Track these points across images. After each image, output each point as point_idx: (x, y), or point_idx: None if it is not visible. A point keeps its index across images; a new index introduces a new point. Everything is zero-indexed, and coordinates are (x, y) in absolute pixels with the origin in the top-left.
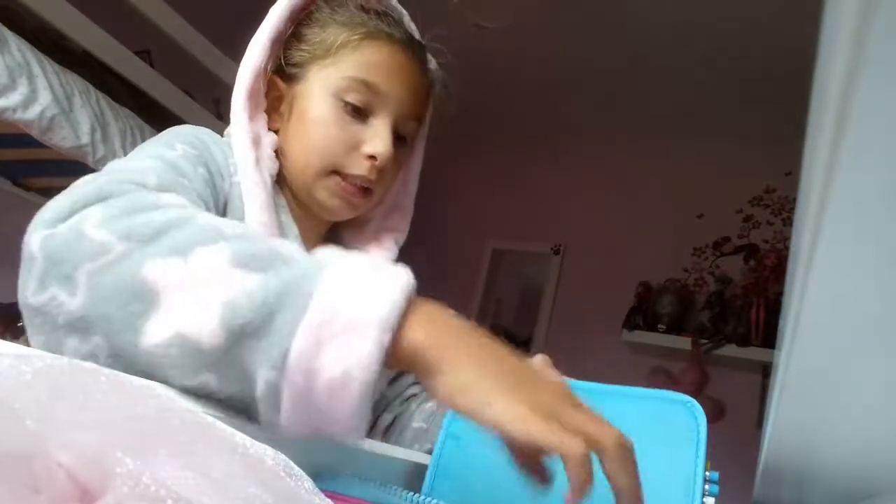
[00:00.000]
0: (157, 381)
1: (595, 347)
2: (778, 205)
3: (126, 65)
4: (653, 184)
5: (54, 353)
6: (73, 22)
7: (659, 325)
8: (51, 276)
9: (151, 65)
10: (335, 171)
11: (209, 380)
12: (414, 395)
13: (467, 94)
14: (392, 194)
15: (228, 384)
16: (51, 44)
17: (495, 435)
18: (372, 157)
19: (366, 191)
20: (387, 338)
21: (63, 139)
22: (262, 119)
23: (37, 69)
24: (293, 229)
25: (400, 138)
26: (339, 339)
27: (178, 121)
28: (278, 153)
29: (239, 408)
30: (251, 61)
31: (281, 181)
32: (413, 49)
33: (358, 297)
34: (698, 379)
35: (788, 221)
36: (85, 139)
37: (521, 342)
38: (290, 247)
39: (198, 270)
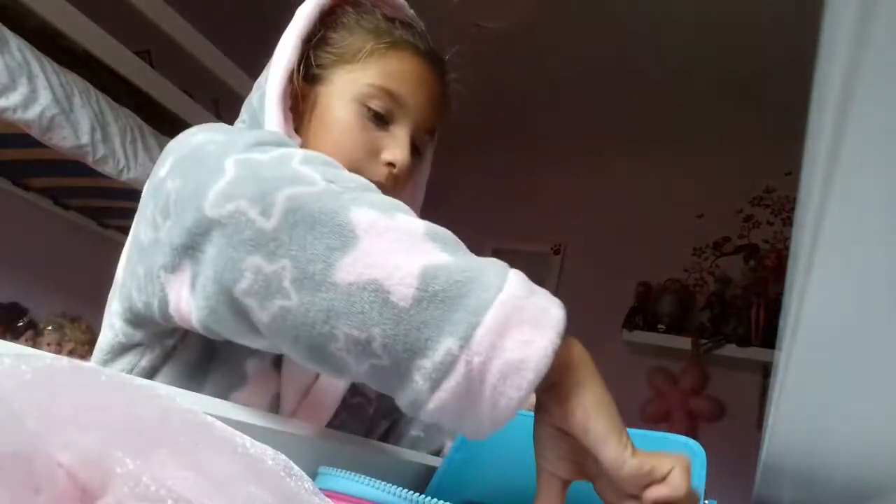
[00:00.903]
0: (327, 324)
1: (595, 347)
2: (778, 205)
3: (126, 65)
4: (653, 184)
5: (228, 268)
6: (73, 22)
7: (659, 325)
8: (243, 191)
9: (151, 65)
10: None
11: (376, 336)
12: None
13: (467, 95)
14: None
15: (391, 348)
16: (51, 44)
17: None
18: (391, 165)
19: None
20: (558, 341)
21: (63, 139)
22: (289, 119)
23: (37, 69)
24: None
25: (414, 149)
26: (525, 327)
27: (178, 121)
28: None
29: (376, 375)
30: (283, 63)
31: None
32: (435, 63)
33: (538, 299)
34: (698, 379)
35: (788, 221)
36: (85, 139)
37: None
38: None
39: (399, 230)
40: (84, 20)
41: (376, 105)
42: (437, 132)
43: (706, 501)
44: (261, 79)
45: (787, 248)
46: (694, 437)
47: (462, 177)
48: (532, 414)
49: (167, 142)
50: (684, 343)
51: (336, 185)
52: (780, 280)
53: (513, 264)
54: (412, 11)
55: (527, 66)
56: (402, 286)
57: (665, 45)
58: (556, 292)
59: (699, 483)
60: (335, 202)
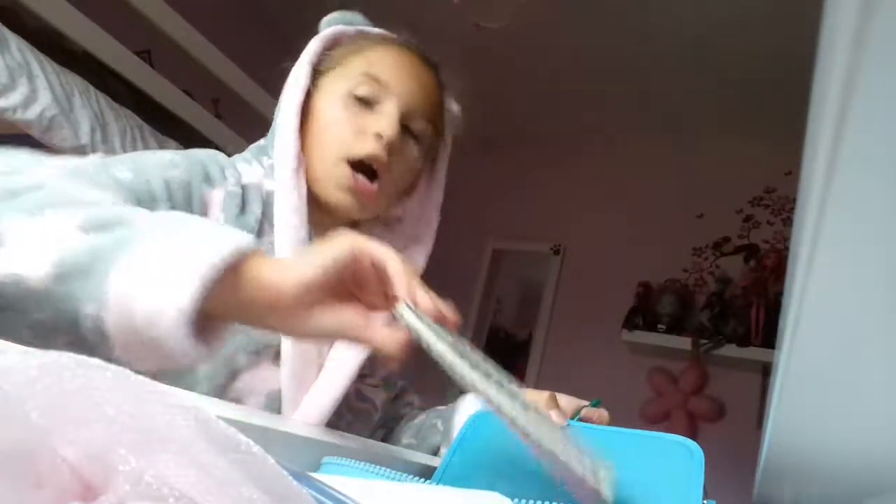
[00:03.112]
0: (2, 314)
1: (595, 348)
2: (778, 205)
3: (126, 65)
4: (653, 184)
5: None
6: (73, 22)
7: (659, 326)
8: None
9: (151, 65)
10: (346, 161)
11: (41, 319)
12: (405, 414)
13: (467, 95)
14: (412, 225)
15: (60, 326)
16: (51, 44)
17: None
18: (378, 136)
19: (372, 176)
20: (200, 283)
21: (63, 139)
22: (297, 135)
23: (37, 69)
24: (313, 235)
25: (412, 135)
26: (154, 279)
27: (178, 121)
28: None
29: (79, 348)
30: (298, 82)
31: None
32: (423, 56)
33: (180, 250)
34: (698, 379)
35: (788, 221)
36: (85, 139)
37: (521, 342)
38: (137, 211)
39: (44, 228)
40: (84, 20)
41: (362, 91)
42: (441, 129)
43: (706, 502)
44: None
45: (787, 248)
46: (694, 436)
47: (462, 177)
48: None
49: (167, 142)
50: (684, 343)
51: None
52: (780, 280)
53: (513, 264)
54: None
55: (527, 66)
56: (37, 270)
57: (665, 45)
58: (555, 292)
59: (697, 483)
60: None
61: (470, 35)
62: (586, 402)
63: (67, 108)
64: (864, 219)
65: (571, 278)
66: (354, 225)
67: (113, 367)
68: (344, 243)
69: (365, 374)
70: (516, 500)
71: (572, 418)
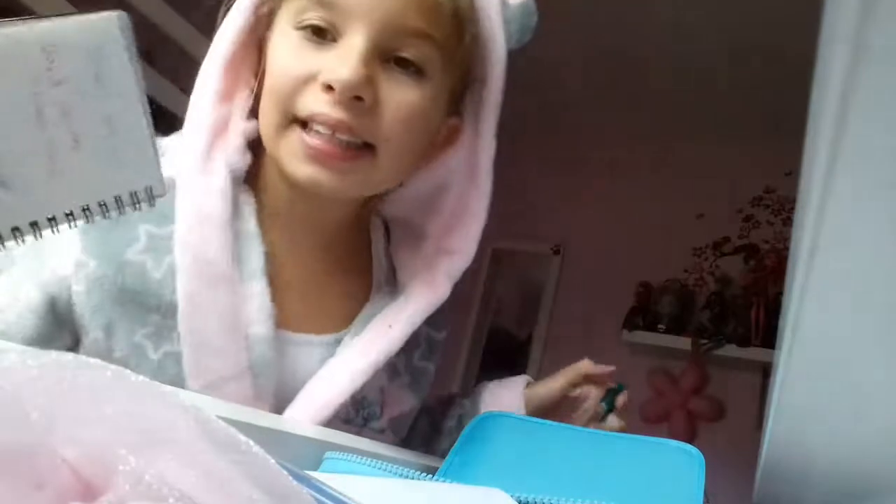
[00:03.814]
0: None
1: (595, 347)
2: (778, 205)
3: None
4: (653, 184)
5: None
6: None
7: (659, 326)
8: None
9: (151, 65)
10: (295, 120)
11: None
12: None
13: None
14: (454, 197)
15: None
16: None
17: None
18: (327, 87)
19: (345, 147)
20: None
21: None
22: (243, 100)
23: None
24: (256, 242)
25: (405, 66)
26: None
27: (178, 121)
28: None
29: None
30: (229, 26)
31: (256, 180)
32: None
33: None
34: (698, 379)
35: (788, 221)
36: None
37: (521, 342)
38: None
39: None
40: None
41: (312, 18)
42: (460, 39)
43: None
44: None
45: (787, 248)
46: (693, 437)
47: None
48: (529, 420)
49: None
50: (684, 343)
51: None
52: (780, 280)
53: (513, 264)
54: None
55: (526, 65)
56: None
57: (665, 45)
58: (555, 292)
59: (698, 488)
60: None
61: None
62: (613, 385)
63: None
64: (864, 219)
65: (571, 278)
66: (368, 202)
67: (113, 367)
68: None
69: (368, 417)
70: (517, 494)
71: (604, 399)
